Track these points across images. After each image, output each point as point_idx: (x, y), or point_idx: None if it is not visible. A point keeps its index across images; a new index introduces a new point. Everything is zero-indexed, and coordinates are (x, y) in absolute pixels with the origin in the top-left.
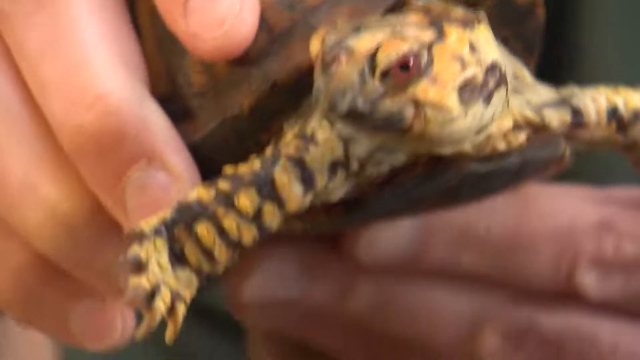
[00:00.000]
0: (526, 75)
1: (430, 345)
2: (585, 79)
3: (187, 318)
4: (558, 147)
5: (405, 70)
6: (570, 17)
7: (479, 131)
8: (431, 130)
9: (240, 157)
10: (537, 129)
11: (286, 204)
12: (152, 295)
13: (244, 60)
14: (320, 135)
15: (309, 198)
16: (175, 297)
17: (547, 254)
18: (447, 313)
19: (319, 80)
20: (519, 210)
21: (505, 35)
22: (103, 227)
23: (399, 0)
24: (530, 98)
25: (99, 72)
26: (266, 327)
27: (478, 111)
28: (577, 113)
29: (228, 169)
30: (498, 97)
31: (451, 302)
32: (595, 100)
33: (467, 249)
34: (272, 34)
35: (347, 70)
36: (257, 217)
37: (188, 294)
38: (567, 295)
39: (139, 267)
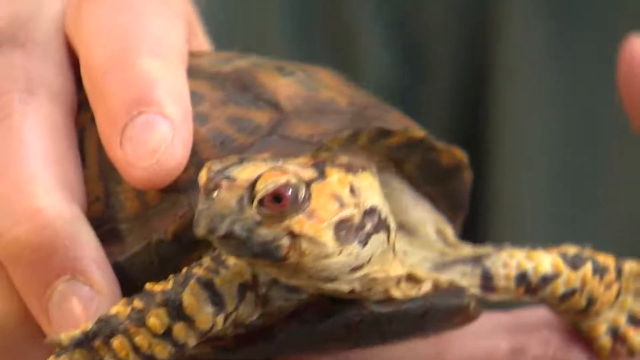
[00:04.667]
0: (449, 232)
1: None
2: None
3: None
4: (463, 298)
5: (279, 202)
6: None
7: (354, 270)
8: (306, 262)
9: (161, 280)
10: (443, 285)
11: (196, 324)
12: None
13: (174, 188)
14: (231, 259)
15: (220, 319)
16: None
17: None
18: None
19: (201, 206)
20: (438, 350)
21: (430, 192)
22: (32, 332)
23: (316, 150)
24: (445, 256)
25: (38, 190)
26: None
27: (353, 250)
28: (487, 277)
29: (148, 286)
30: (376, 240)
31: None
32: (507, 266)
33: None
34: (202, 167)
35: (227, 197)
36: (168, 335)
37: None
38: None
39: None
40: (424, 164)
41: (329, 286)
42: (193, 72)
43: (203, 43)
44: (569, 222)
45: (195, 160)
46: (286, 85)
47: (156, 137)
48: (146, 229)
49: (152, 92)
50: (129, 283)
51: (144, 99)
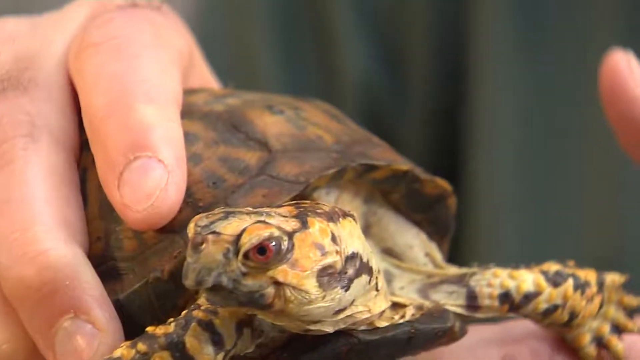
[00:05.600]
0: (437, 255)
1: None
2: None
3: None
4: (447, 321)
5: (263, 254)
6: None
7: (338, 312)
8: (290, 309)
9: (160, 316)
10: (428, 308)
11: None
12: None
13: (170, 229)
14: None
15: (220, 356)
16: None
17: None
18: None
19: (189, 259)
20: None
21: (417, 219)
22: None
23: (301, 193)
24: (432, 277)
25: (40, 232)
26: None
27: (336, 295)
28: (471, 297)
29: (149, 329)
30: (358, 283)
31: None
32: (490, 285)
33: None
34: (196, 208)
35: (213, 251)
36: None
37: None
38: None
39: None
40: (410, 194)
41: (314, 327)
42: (188, 112)
43: (205, 73)
44: (540, 220)
45: (190, 201)
46: (275, 123)
47: (151, 182)
48: (144, 268)
49: (147, 137)
50: (130, 319)
51: (140, 143)
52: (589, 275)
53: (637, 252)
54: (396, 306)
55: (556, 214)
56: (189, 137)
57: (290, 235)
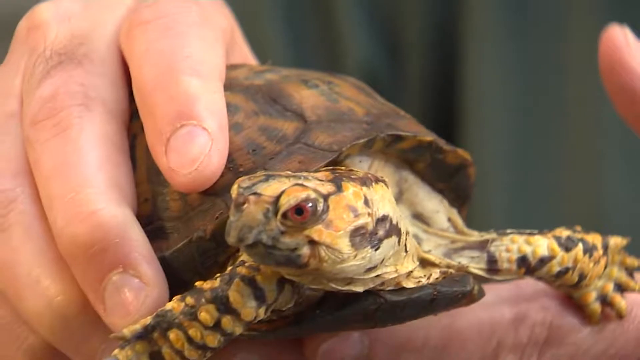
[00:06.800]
0: (458, 221)
1: None
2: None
3: None
4: (467, 284)
5: (300, 214)
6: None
7: (368, 271)
8: (324, 267)
9: (203, 272)
10: (454, 270)
11: (242, 316)
12: None
13: (213, 192)
14: None
15: (262, 310)
16: None
17: (475, 349)
18: None
19: (232, 218)
20: (449, 321)
21: (440, 187)
22: (90, 319)
23: (334, 160)
24: (455, 242)
25: (93, 194)
26: None
27: (367, 254)
28: (492, 261)
29: (197, 283)
30: (388, 244)
31: None
32: (509, 250)
33: (408, 353)
34: (237, 173)
35: (254, 210)
36: (217, 326)
37: None
38: None
39: None
40: (433, 163)
41: (346, 288)
42: (230, 86)
43: (245, 52)
44: (526, 185)
45: (232, 167)
46: (310, 96)
47: (196, 148)
48: (188, 228)
49: (192, 107)
50: (174, 274)
51: (186, 113)
52: (595, 239)
53: (615, 217)
54: (426, 265)
55: (541, 181)
56: (230, 108)
57: (326, 197)
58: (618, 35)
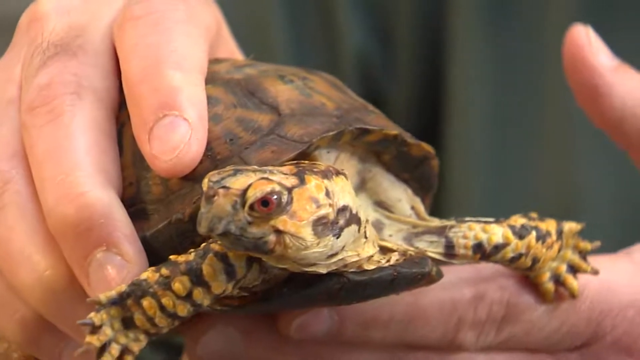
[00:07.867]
0: (421, 208)
1: None
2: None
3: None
4: (425, 266)
5: (266, 206)
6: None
7: (330, 257)
8: (289, 254)
9: (180, 252)
10: (410, 255)
11: (212, 289)
12: (102, 350)
13: (192, 178)
14: None
15: (231, 285)
16: (124, 350)
17: (438, 325)
18: None
19: (203, 209)
20: (413, 299)
21: (405, 178)
22: (76, 293)
23: (304, 151)
24: (416, 227)
25: (81, 176)
26: None
27: (329, 242)
28: (449, 246)
29: (172, 257)
30: (348, 232)
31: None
32: (466, 237)
33: (374, 328)
34: (214, 160)
35: (223, 202)
36: (189, 297)
37: (136, 348)
38: (454, 349)
39: (93, 329)
40: (399, 155)
41: (310, 269)
42: (211, 79)
43: (231, 46)
44: (504, 174)
45: (210, 155)
46: (285, 90)
47: (177, 136)
48: (168, 210)
49: (174, 99)
50: (154, 253)
51: (168, 104)
52: (549, 225)
53: (587, 204)
54: (385, 251)
55: (519, 167)
56: (211, 100)
57: (290, 190)
58: (581, 34)
